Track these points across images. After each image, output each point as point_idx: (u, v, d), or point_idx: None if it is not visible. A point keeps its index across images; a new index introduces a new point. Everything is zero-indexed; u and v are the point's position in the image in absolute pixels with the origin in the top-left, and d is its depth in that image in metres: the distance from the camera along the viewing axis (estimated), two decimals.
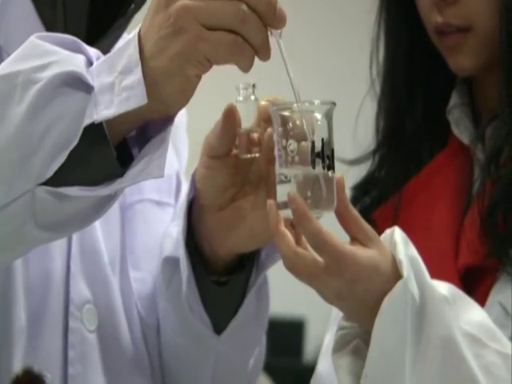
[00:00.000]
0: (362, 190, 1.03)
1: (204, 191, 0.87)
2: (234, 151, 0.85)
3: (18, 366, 0.88)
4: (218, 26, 0.69)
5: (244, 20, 0.68)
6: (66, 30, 0.97)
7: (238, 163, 0.85)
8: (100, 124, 0.72)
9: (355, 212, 0.77)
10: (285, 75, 0.73)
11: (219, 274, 0.91)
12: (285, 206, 0.74)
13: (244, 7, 0.68)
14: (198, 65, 0.70)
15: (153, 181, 0.84)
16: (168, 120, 0.75)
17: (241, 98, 0.81)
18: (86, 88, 0.73)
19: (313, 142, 0.73)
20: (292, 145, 0.74)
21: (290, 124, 0.75)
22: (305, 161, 0.74)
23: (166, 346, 0.98)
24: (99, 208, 0.76)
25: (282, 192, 0.75)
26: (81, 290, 0.94)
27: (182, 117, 1.08)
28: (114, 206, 0.97)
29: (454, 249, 0.94)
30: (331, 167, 0.75)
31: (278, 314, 3.13)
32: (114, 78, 0.72)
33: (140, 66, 0.71)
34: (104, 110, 0.71)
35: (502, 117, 0.93)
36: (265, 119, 0.81)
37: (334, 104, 0.75)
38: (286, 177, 0.75)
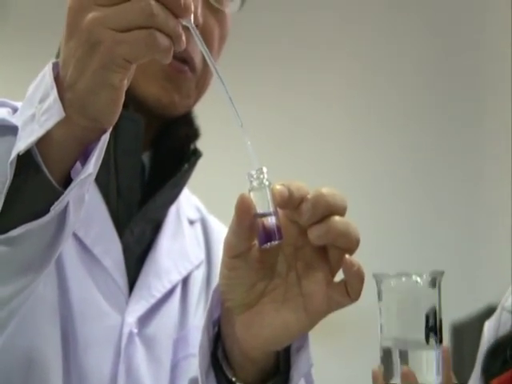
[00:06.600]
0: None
1: (230, 293, 0.81)
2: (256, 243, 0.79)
3: None
4: (130, 26, 0.69)
5: (152, 14, 0.69)
6: (118, 192, 1.04)
7: (263, 256, 0.80)
8: (35, 158, 0.73)
9: None
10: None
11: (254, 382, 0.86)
12: None
13: (150, 1, 0.69)
14: (120, 69, 0.71)
15: (199, 335, 0.84)
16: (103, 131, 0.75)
17: (255, 185, 0.76)
18: (13, 130, 0.74)
19: (427, 316, 0.72)
20: None
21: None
22: None
23: None
24: (52, 246, 0.76)
25: None
26: None
27: (220, 235, 1.09)
28: (165, 364, 1.03)
29: None
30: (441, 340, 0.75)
31: None
32: (34, 109, 0.73)
33: (55, 88, 0.72)
34: (27, 139, 0.72)
35: None
36: (281, 204, 0.77)
37: (443, 272, 0.73)
38: None
